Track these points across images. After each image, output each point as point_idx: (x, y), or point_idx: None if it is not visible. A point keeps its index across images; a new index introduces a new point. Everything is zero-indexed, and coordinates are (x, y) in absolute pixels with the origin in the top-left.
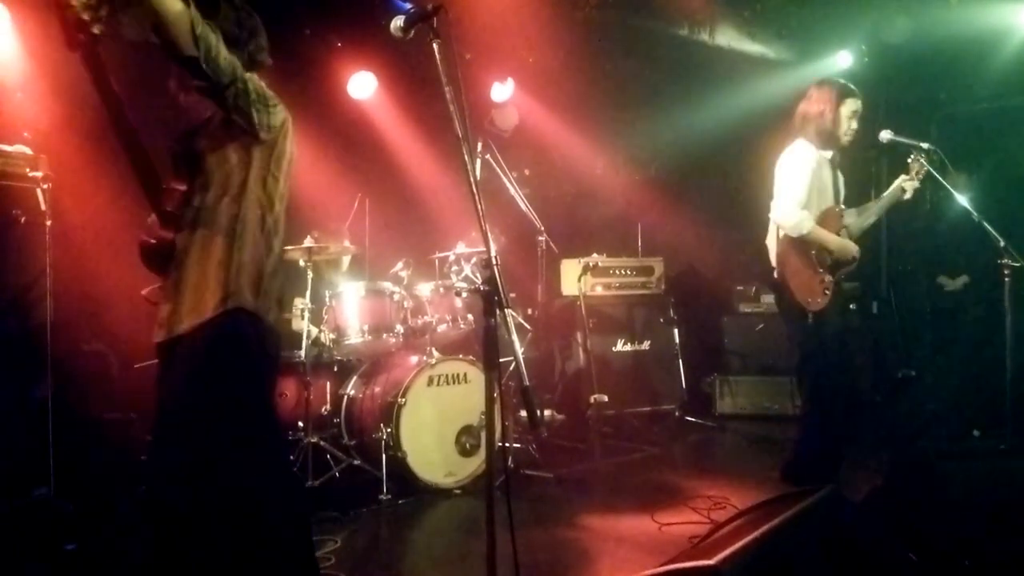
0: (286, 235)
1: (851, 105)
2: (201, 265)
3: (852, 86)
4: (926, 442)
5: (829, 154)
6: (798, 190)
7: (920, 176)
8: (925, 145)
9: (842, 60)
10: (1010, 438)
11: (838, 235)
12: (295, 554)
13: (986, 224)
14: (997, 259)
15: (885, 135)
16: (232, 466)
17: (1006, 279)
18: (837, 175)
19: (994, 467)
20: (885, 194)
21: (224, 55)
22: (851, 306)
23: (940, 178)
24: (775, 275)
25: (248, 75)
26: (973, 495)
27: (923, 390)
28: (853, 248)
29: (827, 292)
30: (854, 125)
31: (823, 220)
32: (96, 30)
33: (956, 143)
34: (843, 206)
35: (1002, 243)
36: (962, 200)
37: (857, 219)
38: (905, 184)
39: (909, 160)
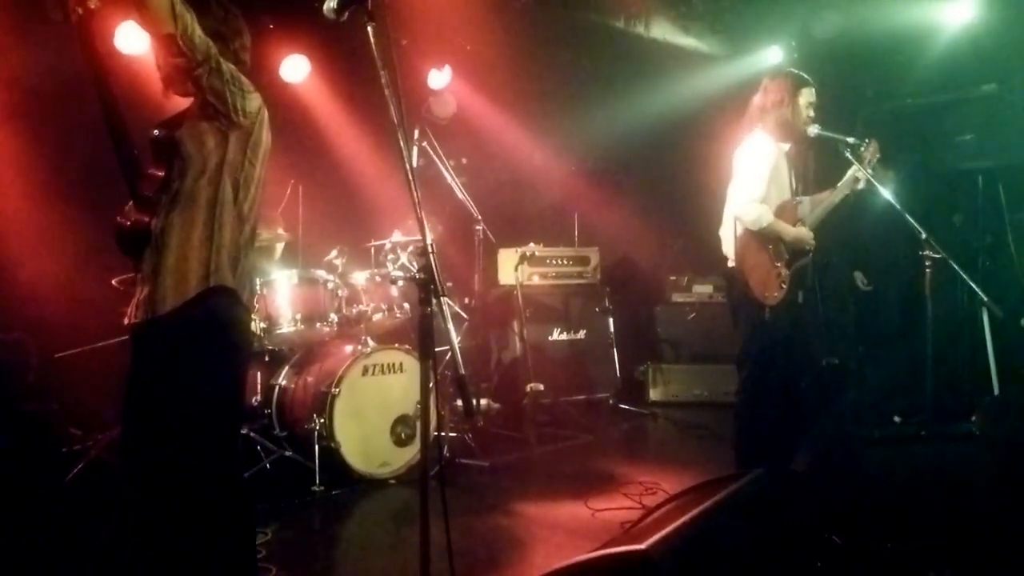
0: None
1: (807, 95)
2: (181, 246)
3: (806, 76)
4: (849, 428)
5: (787, 146)
6: (756, 184)
7: (872, 164)
8: (851, 140)
9: (772, 55)
10: (930, 425)
11: (794, 227)
12: (245, 539)
13: (908, 216)
14: (919, 251)
15: (812, 130)
16: (208, 443)
17: (927, 270)
18: (794, 167)
19: (914, 453)
20: (839, 184)
21: (199, 34)
22: (799, 297)
23: (867, 174)
24: (730, 268)
25: (225, 62)
26: (894, 479)
27: (846, 378)
28: (808, 237)
29: (783, 285)
30: (811, 113)
31: (780, 213)
32: (93, 5)
33: (881, 138)
34: (800, 198)
35: (923, 235)
36: (886, 193)
37: (814, 210)
38: (858, 174)
39: (861, 149)
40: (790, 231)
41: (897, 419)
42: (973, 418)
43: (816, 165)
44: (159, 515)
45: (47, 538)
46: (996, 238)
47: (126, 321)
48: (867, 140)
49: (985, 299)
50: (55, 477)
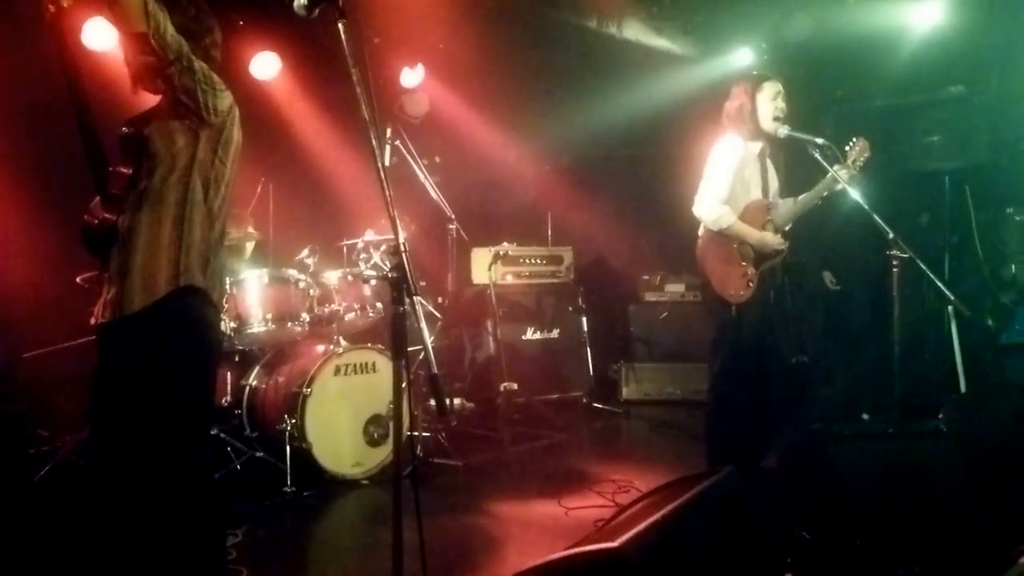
0: None
1: (769, 89)
2: (150, 245)
3: (765, 72)
4: (818, 425)
5: (758, 147)
6: (720, 185)
7: (858, 165)
8: (820, 141)
9: (743, 57)
10: (897, 422)
11: (762, 229)
12: (216, 541)
13: (876, 217)
14: (886, 250)
15: (782, 131)
16: (178, 444)
17: (894, 269)
18: (767, 168)
19: (882, 449)
20: (819, 186)
21: (172, 32)
22: (770, 296)
23: (833, 172)
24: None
25: (197, 60)
26: (862, 476)
27: (815, 375)
28: (774, 242)
29: (751, 284)
30: (781, 105)
31: (747, 214)
32: (66, 3)
33: (849, 139)
34: (776, 199)
35: (891, 235)
36: (854, 194)
37: (791, 207)
38: (840, 173)
39: (847, 148)
40: (754, 234)
41: (865, 416)
42: (940, 415)
43: (787, 166)
44: (128, 517)
45: (14, 540)
46: (962, 238)
47: (93, 321)
48: (854, 140)
49: (952, 298)
50: (22, 478)
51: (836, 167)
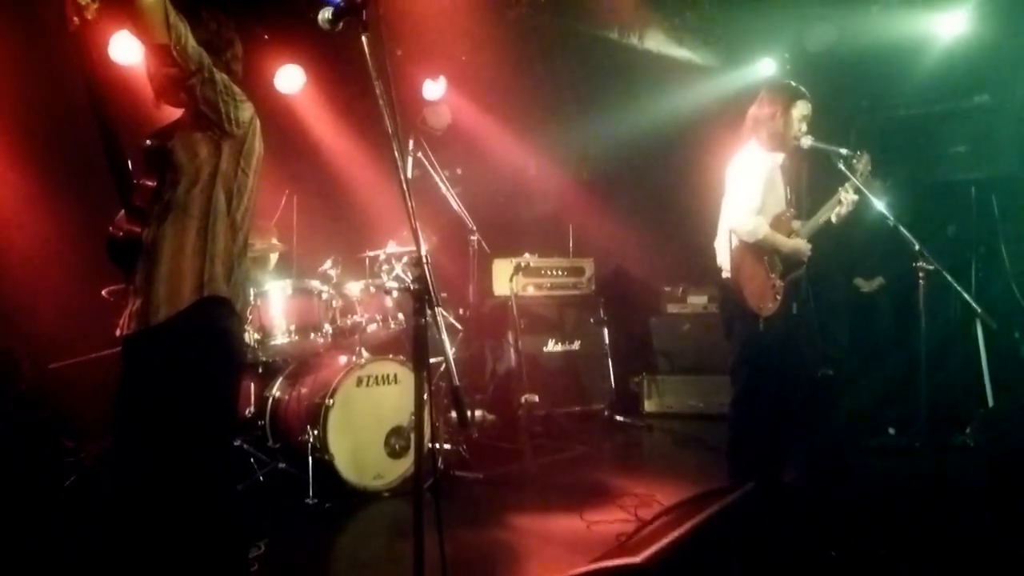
0: None
1: (802, 108)
2: (174, 257)
3: (803, 89)
4: (843, 439)
5: (780, 159)
6: (753, 196)
7: (864, 176)
8: (844, 151)
9: (765, 67)
10: (924, 436)
11: (790, 238)
12: (238, 552)
13: (902, 228)
14: (912, 263)
15: (806, 142)
16: (201, 455)
17: (920, 282)
18: (787, 179)
19: (908, 464)
20: (829, 201)
21: (192, 44)
22: (794, 308)
23: (858, 184)
24: (725, 279)
25: (218, 72)
26: (888, 490)
27: (841, 389)
28: (805, 249)
29: (778, 297)
30: (804, 128)
31: (775, 225)
32: (90, 15)
33: (874, 149)
34: (792, 210)
35: (917, 247)
36: (879, 205)
37: (811, 221)
38: (842, 197)
39: (853, 161)
40: (787, 243)
41: (891, 430)
42: (967, 430)
43: (810, 177)
44: (150, 527)
45: (40, 548)
46: (989, 249)
47: (118, 332)
48: (858, 152)
49: (979, 310)
50: (48, 488)
51: (840, 191)
